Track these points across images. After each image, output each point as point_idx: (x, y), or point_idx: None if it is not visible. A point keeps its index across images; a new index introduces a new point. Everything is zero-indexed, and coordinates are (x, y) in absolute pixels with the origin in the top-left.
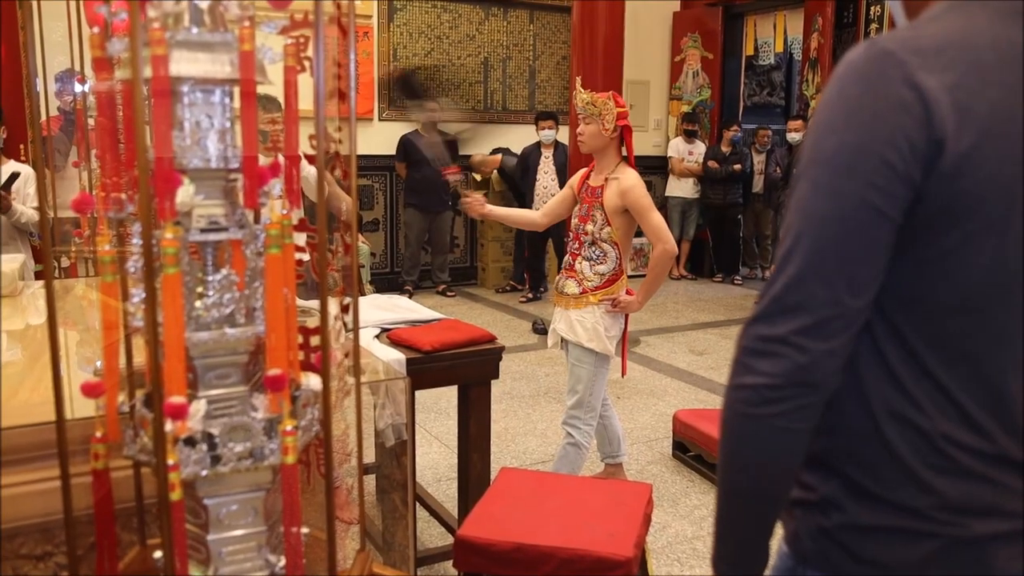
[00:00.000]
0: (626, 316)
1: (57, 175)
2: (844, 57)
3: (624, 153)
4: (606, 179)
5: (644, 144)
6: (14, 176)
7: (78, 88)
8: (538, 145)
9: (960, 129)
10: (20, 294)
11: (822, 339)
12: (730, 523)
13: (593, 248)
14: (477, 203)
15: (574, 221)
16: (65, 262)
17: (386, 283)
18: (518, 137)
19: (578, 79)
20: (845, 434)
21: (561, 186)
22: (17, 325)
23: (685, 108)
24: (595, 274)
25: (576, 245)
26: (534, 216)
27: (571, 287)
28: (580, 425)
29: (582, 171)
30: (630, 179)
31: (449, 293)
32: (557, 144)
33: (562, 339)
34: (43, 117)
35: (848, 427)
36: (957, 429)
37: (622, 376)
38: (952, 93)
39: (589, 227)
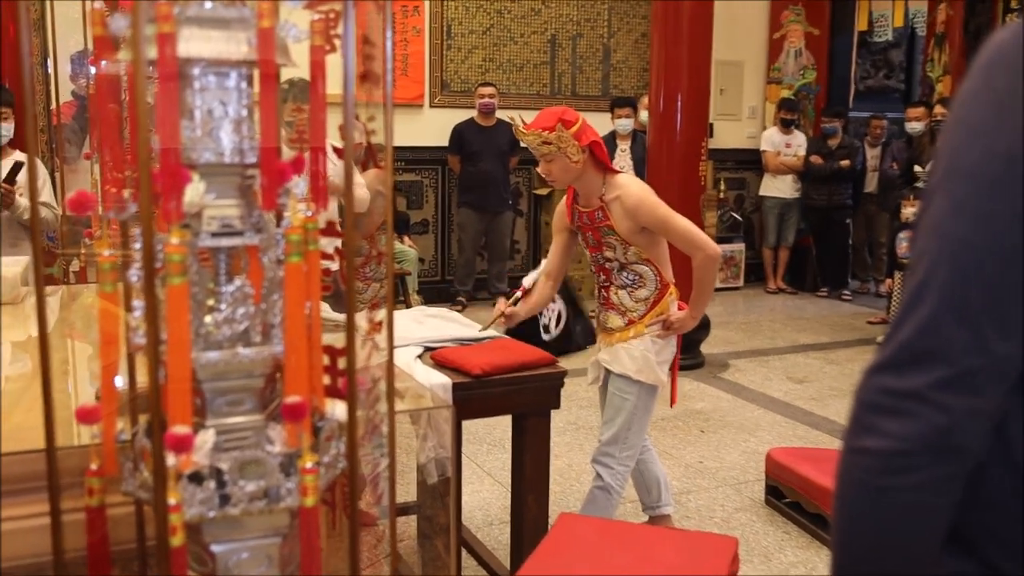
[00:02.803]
0: (678, 335)
1: (68, 168)
2: (990, 41)
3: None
4: (602, 200)
5: (736, 135)
6: (18, 166)
7: (93, 71)
8: (612, 136)
9: None
10: (23, 301)
11: (966, 394)
12: None
13: (624, 273)
14: (503, 314)
15: (588, 254)
16: (75, 265)
17: (436, 293)
18: None
19: (517, 117)
20: (986, 508)
21: None
22: (20, 335)
23: (785, 93)
24: (637, 301)
25: (603, 278)
26: (548, 286)
27: (615, 320)
28: (613, 465)
29: (563, 202)
30: (632, 191)
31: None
32: (635, 134)
33: (605, 370)
34: (54, 103)
35: (990, 501)
36: None
37: (671, 406)
38: None
39: (609, 253)
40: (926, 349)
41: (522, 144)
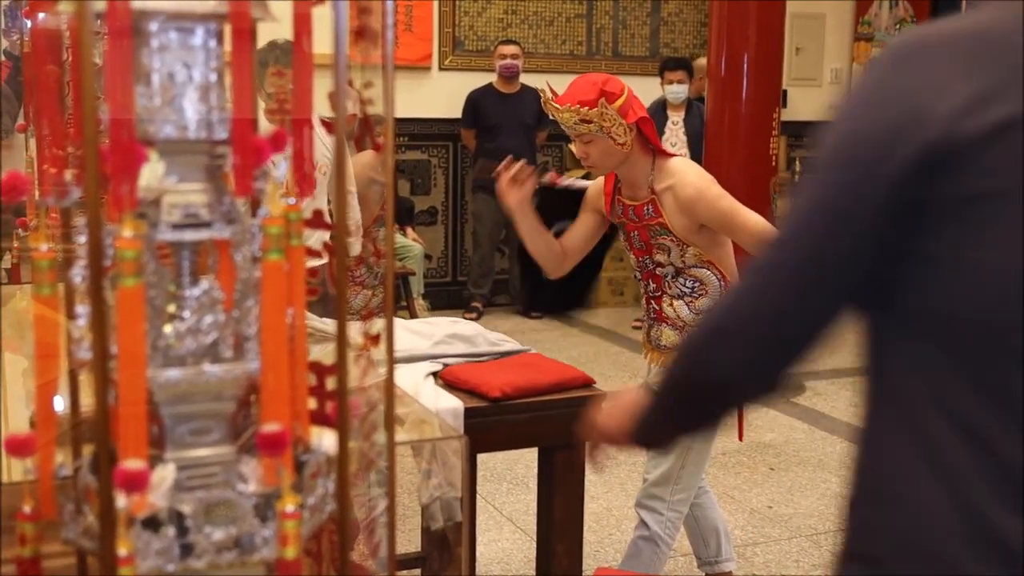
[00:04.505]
0: None
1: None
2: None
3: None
4: (652, 191)
5: (816, 105)
6: None
7: (28, 25)
8: (662, 106)
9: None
10: None
11: None
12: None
13: (681, 280)
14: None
15: (632, 258)
16: (6, 262)
17: (445, 297)
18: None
19: (547, 86)
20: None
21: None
22: None
23: (878, 52)
24: (698, 313)
25: (654, 286)
26: (558, 250)
27: (670, 336)
28: (663, 510)
29: (597, 184)
30: (688, 180)
31: (534, 314)
32: (690, 104)
33: None
34: None
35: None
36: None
37: (739, 439)
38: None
39: (661, 258)
40: None
41: (551, 118)
